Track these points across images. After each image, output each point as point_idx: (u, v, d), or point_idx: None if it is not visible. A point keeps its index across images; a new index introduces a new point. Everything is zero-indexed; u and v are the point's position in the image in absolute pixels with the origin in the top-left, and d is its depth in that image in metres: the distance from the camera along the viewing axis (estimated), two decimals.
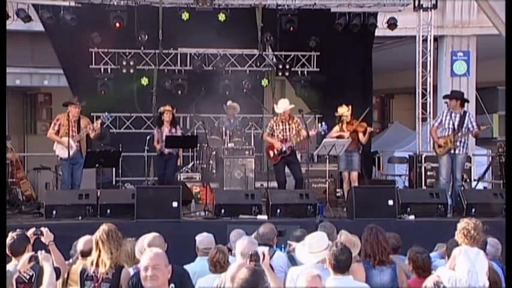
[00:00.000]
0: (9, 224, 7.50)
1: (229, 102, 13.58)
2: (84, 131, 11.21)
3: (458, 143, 11.22)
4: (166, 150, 11.67)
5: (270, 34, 14.23)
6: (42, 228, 5.66)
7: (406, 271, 6.19)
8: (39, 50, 15.82)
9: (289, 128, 11.46)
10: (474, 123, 11.46)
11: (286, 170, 11.66)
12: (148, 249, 4.49)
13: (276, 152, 11.48)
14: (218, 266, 5.82)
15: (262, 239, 6.47)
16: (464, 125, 11.27)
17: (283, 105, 11.56)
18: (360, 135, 11.74)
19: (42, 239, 5.68)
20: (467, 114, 11.52)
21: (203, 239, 6.74)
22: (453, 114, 11.38)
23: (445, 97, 11.98)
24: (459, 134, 11.18)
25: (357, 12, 14.40)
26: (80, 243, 6.01)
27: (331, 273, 5.02)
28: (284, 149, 11.39)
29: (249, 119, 14.58)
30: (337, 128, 11.80)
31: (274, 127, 11.56)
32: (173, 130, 11.80)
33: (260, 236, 6.51)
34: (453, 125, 11.27)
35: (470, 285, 5.44)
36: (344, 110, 11.78)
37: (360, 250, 5.91)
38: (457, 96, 11.73)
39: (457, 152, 11.26)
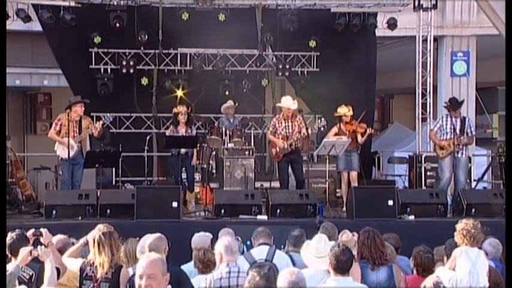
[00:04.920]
0: (9, 224, 7.48)
1: (229, 102, 13.56)
2: (86, 132, 11.21)
3: (460, 146, 11.29)
4: (183, 151, 11.58)
5: (270, 34, 14.22)
6: (42, 229, 5.65)
7: (406, 269, 6.22)
8: (39, 50, 15.79)
9: (292, 126, 11.47)
10: (473, 128, 11.59)
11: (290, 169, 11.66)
12: (145, 255, 4.20)
13: (278, 150, 11.50)
14: (201, 266, 5.83)
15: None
16: (465, 130, 11.38)
17: (286, 102, 11.61)
18: (359, 136, 11.74)
19: (42, 239, 5.67)
20: (466, 119, 11.65)
21: (196, 238, 6.72)
22: (453, 119, 11.48)
23: (452, 107, 11.81)
24: (462, 137, 11.26)
25: (357, 12, 14.40)
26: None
27: (332, 273, 5.01)
28: (286, 146, 11.39)
29: (249, 119, 14.56)
30: (335, 129, 11.77)
31: (277, 125, 11.58)
32: (189, 130, 11.73)
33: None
34: (455, 129, 11.33)
35: (471, 286, 5.44)
36: (344, 110, 11.77)
37: (357, 252, 5.91)
38: (460, 105, 11.79)
39: (459, 154, 11.35)
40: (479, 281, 5.47)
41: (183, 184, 11.58)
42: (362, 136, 11.72)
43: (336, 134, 11.69)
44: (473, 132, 11.56)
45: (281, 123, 11.55)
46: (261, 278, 4.10)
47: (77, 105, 11.12)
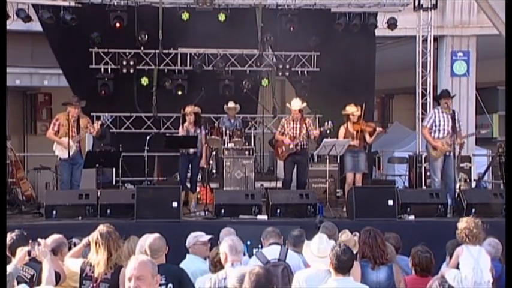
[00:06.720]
0: (9, 224, 7.49)
1: (230, 103, 13.56)
2: (84, 131, 11.20)
3: (455, 146, 11.26)
4: (191, 150, 11.61)
5: (270, 34, 14.22)
6: (40, 240, 5.61)
7: (406, 269, 6.23)
8: (39, 50, 15.81)
9: (300, 127, 11.60)
10: (461, 123, 11.60)
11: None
12: (134, 257, 4.10)
13: (283, 149, 11.60)
14: (219, 266, 5.82)
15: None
16: (456, 126, 11.34)
17: (296, 104, 11.77)
18: (367, 135, 11.69)
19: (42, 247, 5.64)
20: (456, 113, 11.56)
21: (189, 236, 6.70)
22: (445, 115, 11.39)
23: (444, 97, 11.81)
24: (455, 135, 11.21)
25: (357, 12, 14.40)
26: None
27: (332, 273, 5.01)
28: (291, 146, 11.48)
29: (249, 119, 14.57)
30: (342, 129, 11.71)
31: (285, 125, 11.77)
32: (198, 130, 11.78)
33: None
34: (448, 126, 11.30)
35: (476, 282, 5.47)
36: (353, 109, 11.68)
37: (358, 252, 5.91)
38: (451, 95, 11.82)
39: (450, 154, 11.30)
40: (483, 276, 5.51)
41: (185, 184, 11.59)
42: (370, 135, 11.69)
43: (344, 135, 11.62)
44: (461, 127, 11.53)
45: (289, 123, 11.74)
46: (261, 269, 4.11)
47: (70, 106, 11.09)
